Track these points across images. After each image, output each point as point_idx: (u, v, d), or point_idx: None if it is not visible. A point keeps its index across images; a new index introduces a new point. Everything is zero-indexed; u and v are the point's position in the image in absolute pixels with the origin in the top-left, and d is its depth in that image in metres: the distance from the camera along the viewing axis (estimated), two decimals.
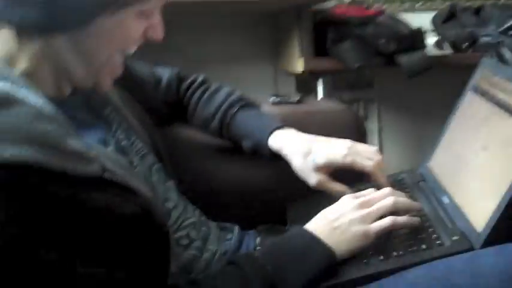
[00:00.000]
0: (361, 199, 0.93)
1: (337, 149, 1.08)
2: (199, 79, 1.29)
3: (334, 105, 1.35)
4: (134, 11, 0.81)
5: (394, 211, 0.91)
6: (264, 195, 1.27)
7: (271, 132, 1.15)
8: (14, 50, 0.79)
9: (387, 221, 0.89)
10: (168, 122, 1.28)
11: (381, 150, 2.39)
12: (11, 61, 0.79)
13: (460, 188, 0.97)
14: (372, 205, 0.92)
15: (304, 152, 1.10)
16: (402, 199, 0.94)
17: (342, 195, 1.02)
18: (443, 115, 1.15)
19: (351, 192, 1.04)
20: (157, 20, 0.87)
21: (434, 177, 1.08)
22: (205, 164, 1.26)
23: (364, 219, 0.89)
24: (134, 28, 0.83)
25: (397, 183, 1.13)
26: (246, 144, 1.19)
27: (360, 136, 1.30)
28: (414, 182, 1.12)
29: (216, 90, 1.26)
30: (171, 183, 1.05)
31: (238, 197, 1.27)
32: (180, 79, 1.28)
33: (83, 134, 0.79)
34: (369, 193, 0.97)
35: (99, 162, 0.72)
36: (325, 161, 1.08)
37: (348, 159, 1.06)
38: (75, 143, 0.70)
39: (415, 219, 0.91)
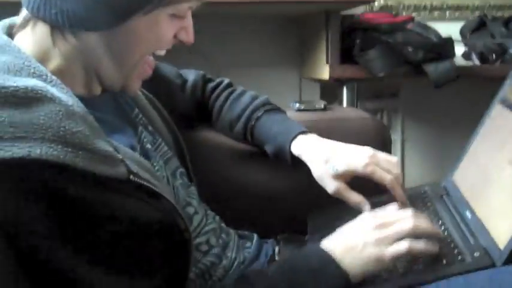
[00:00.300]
0: (380, 220, 0.89)
1: (358, 158, 1.06)
2: (225, 82, 1.28)
3: (359, 113, 1.34)
4: (167, 13, 0.81)
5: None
6: (285, 203, 1.26)
7: (293, 138, 1.14)
8: (48, 46, 0.80)
9: (403, 246, 0.83)
10: (192, 124, 1.28)
11: (403, 161, 2.38)
12: (44, 57, 0.80)
13: (483, 203, 0.95)
14: (391, 226, 0.87)
15: (325, 158, 1.08)
16: (423, 223, 0.88)
17: (359, 206, 1.02)
18: (469, 127, 1.13)
19: (368, 204, 1.03)
20: (189, 22, 0.87)
21: (457, 191, 1.06)
22: (227, 170, 1.26)
23: (380, 242, 0.84)
24: (166, 29, 0.83)
25: (419, 196, 1.11)
26: (269, 148, 1.18)
27: (385, 146, 1.29)
28: (437, 195, 1.10)
29: (241, 94, 1.25)
30: (193, 189, 1.06)
31: (258, 205, 1.26)
32: (206, 81, 1.28)
33: (112, 137, 0.79)
34: (390, 213, 0.93)
35: (125, 164, 0.74)
36: (345, 168, 1.06)
37: (368, 169, 1.04)
38: (102, 144, 0.72)
39: (434, 248, 0.86)
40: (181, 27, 0.86)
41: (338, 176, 1.07)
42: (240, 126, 1.21)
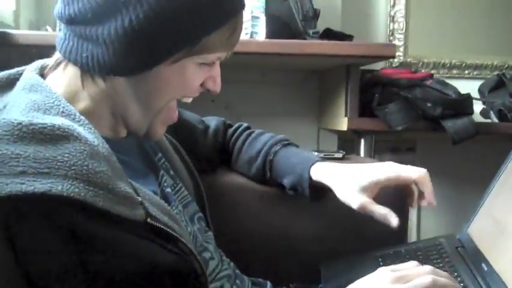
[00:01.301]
0: (398, 273, 0.85)
1: (380, 169, 1.08)
2: (244, 125, 1.31)
3: None
4: (196, 62, 0.83)
5: None
6: (300, 251, 1.26)
7: (312, 164, 1.14)
8: (77, 88, 0.82)
9: None
10: (215, 168, 1.29)
11: (419, 214, 2.37)
12: (74, 98, 0.82)
13: (500, 256, 0.95)
14: (408, 281, 0.83)
15: (347, 176, 1.08)
16: (442, 279, 0.83)
17: (386, 218, 1.02)
18: (484, 183, 1.14)
19: (395, 216, 1.02)
20: (216, 72, 0.88)
21: (473, 244, 1.06)
22: (243, 217, 1.26)
23: None
24: (194, 78, 0.85)
25: (435, 248, 1.11)
26: (288, 180, 1.18)
27: (402, 198, 1.29)
28: (452, 247, 1.10)
29: (260, 134, 1.28)
30: (210, 234, 1.06)
31: (273, 252, 1.26)
32: (227, 126, 1.31)
33: (134, 179, 0.80)
34: (407, 267, 0.88)
35: (144, 207, 0.74)
36: (369, 180, 1.06)
37: (392, 174, 1.05)
38: (123, 185, 0.73)
39: None
40: (209, 76, 0.87)
41: (362, 190, 1.06)
42: (259, 161, 1.22)
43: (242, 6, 0.84)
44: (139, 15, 0.75)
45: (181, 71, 0.82)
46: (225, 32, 0.82)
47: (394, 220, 1.03)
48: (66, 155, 0.68)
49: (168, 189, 0.95)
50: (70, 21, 0.79)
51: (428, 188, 1.05)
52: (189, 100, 0.91)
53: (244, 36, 1.67)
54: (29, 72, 0.84)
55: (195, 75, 0.84)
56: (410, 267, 0.89)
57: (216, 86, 0.89)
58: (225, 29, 0.81)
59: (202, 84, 0.87)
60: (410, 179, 1.05)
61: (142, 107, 0.84)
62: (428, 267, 0.87)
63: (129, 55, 0.77)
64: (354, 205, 1.06)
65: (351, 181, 1.07)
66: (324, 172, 1.12)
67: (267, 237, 1.26)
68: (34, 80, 0.81)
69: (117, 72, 0.79)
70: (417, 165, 2.18)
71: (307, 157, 1.18)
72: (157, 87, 0.83)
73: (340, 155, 1.35)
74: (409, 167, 1.08)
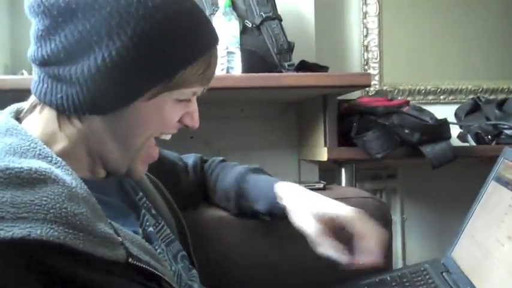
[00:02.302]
0: None
1: (344, 206, 1.04)
2: (219, 159, 1.32)
3: (359, 192, 1.36)
4: (172, 98, 0.83)
5: None
6: (286, 284, 1.26)
7: (276, 183, 1.14)
8: (54, 129, 0.82)
9: None
10: (196, 205, 1.29)
11: (403, 240, 2.37)
12: (50, 140, 0.81)
13: (484, 279, 0.95)
14: None
15: (307, 200, 1.07)
16: None
17: (336, 256, 0.97)
18: (467, 206, 1.15)
19: (346, 257, 0.98)
20: (194, 107, 0.88)
21: (457, 268, 1.07)
22: (227, 252, 1.25)
23: None
24: (171, 114, 0.85)
25: (420, 274, 1.11)
26: (261, 206, 1.17)
27: (385, 224, 1.29)
28: (438, 273, 1.10)
29: (234, 165, 1.27)
30: (194, 272, 1.05)
31: (263, 285, 1.25)
32: (203, 161, 1.31)
33: (114, 220, 0.79)
34: None
35: (124, 247, 0.74)
36: (327, 211, 1.03)
37: (354, 216, 1.01)
38: (103, 226, 0.72)
39: None
40: (186, 112, 0.87)
41: (319, 218, 1.03)
42: (233, 195, 1.21)
43: (216, 40, 0.85)
44: (112, 53, 0.75)
45: (158, 107, 0.82)
46: (200, 67, 0.82)
47: (343, 258, 0.99)
48: (44, 199, 0.67)
49: (151, 229, 0.94)
50: (43, 62, 0.79)
51: (358, 230, 0.99)
52: (168, 137, 0.90)
53: (220, 71, 1.68)
54: (4, 116, 0.84)
55: (172, 111, 0.84)
56: None
57: (194, 121, 0.89)
58: (200, 63, 0.82)
59: (180, 121, 0.87)
60: (338, 216, 1.01)
61: (121, 146, 0.84)
62: None
63: (103, 93, 0.77)
64: (308, 230, 1.02)
65: (310, 206, 1.05)
66: (283, 191, 1.12)
67: (251, 271, 1.25)
68: (10, 123, 0.80)
69: (92, 111, 0.79)
70: (400, 192, 2.21)
71: (272, 179, 1.18)
72: (135, 125, 0.82)
73: (321, 185, 1.35)
74: (348, 208, 1.03)
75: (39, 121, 0.83)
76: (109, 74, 0.76)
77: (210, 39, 0.84)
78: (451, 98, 2.46)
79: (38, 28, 0.79)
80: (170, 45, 0.78)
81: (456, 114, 2.24)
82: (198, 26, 0.82)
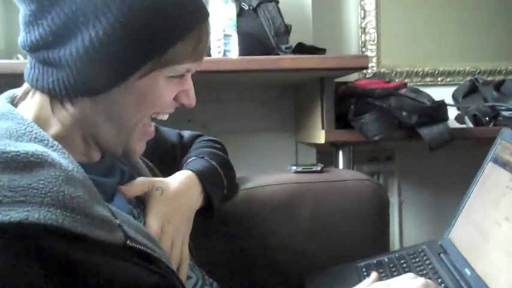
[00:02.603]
0: (393, 286, 0.86)
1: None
2: (207, 138, 1.30)
3: (357, 175, 1.36)
4: (165, 75, 0.82)
5: None
6: (282, 267, 1.26)
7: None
8: (47, 114, 0.81)
9: None
10: None
11: (400, 222, 2.38)
12: (44, 125, 0.81)
13: (482, 260, 0.96)
14: None
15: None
16: None
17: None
18: (464, 187, 1.15)
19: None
20: (189, 85, 0.88)
21: (455, 249, 1.07)
22: (221, 236, 1.25)
23: None
24: (165, 92, 0.84)
25: (418, 255, 1.12)
26: None
27: (383, 207, 1.30)
28: (435, 254, 1.11)
29: (202, 145, 1.25)
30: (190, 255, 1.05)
31: (255, 270, 1.26)
32: (197, 137, 1.30)
33: (110, 203, 0.79)
34: (400, 281, 0.89)
35: (122, 230, 0.74)
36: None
37: None
38: (101, 209, 0.72)
39: None
40: (181, 90, 0.87)
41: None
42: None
43: (206, 15, 0.84)
44: (98, 32, 0.74)
45: (150, 85, 0.81)
46: (190, 42, 0.81)
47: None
48: (42, 182, 0.67)
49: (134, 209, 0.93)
50: (33, 48, 0.79)
51: None
52: (165, 117, 0.90)
53: (217, 54, 1.68)
54: (0, 101, 0.83)
55: (166, 89, 0.84)
56: (404, 281, 0.89)
57: (190, 99, 0.88)
58: (190, 38, 0.81)
59: (176, 99, 0.87)
60: None
61: (115, 127, 0.84)
62: (420, 279, 0.88)
63: (93, 74, 0.76)
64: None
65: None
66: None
67: (248, 255, 1.26)
68: (5, 108, 0.80)
69: (84, 93, 0.79)
70: (397, 174, 2.21)
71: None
72: (128, 105, 0.82)
73: (319, 168, 1.35)
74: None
75: (32, 107, 0.82)
76: (97, 54, 0.75)
77: (199, 13, 0.82)
78: (448, 79, 2.46)
79: (26, 13, 0.78)
80: (158, 22, 0.77)
81: (454, 96, 2.24)
82: (186, 1, 0.80)
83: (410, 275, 0.91)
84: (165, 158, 1.16)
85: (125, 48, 0.76)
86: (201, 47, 0.84)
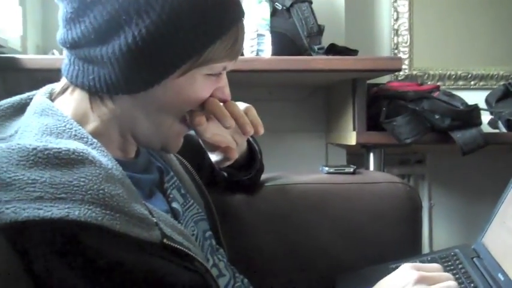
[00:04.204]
0: (423, 273, 0.86)
1: None
2: None
3: (389, 177, 1.35)
4: (202, 73, 0.82)
5: None
6: (313, 267, 1.26)
7: None
8: (86, 110, 0.82)
9: None
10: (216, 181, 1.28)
11: (430, 226, 2.36)
12: (83, 121, 0.82)
13: None
14: (433, 283, 0.85)
15: None
16: None
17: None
18: (495, 193, 1.13)
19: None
20: (224, 83, 0.88)
21: (488, 254, 1.06)
22: (253, 234, 1.26)
23: None
24: (202, 89, 0.84)
25: (451, 259, 1.11)
26: None
27: (415, 210, 1.29)
28: (468, 258, 1.09)
29: None
30: (221, 251, 1.06)
31: (286, 268, 1.26)
32: None
33: (147, 200, 0.80)
34: (432, 269, 0.91)
35: (159, 228, 0.74)
36: None
37: None
38: (138, 207, 0.73)
39: None
40: (217, 88, 0.87)
41: None
42: None
43: (242, 14, 0.85)
44: (141, 31, 0.75)
45: (189, 83, 0.82)
46: (228, 41, 0.82)
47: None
48: (82, 180, 0.68)
49: (174, 205, 0.94)
50: (73, 45, 0.79)
51: None
52: None
53: (250, 54, 1.68)
54: (40, 96, 0.85)
55: (203, 87, 0.84)
56: (434, 269, 0.90)
57: (225, 95, 0.89)
58: (228, 37, 0.81)
59: (211, 96, 0.87)
60: None
61: (153, 123, 0.84)
62: (449, 274, 0.89)
63: (135, 71, 0.77)
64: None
65: None
66: None
67: (277, 252, 1.26)
68: (45, 104, 0.81)
69: (125, 90, 0.79)
70: (427, 177, 2.19)
71: None
72: (167, 101, 0.82)
73: (351, 169, 1.34)
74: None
75: (71, 102, 0.83)
76: (140, 53, 0.76)
77: (237, 12, 0.83)
78: (481, 83, 2.43)
79: (67, 11, 0.79)
80: (199, 21, 0.78)
81: (487, 101, 2.21)
82: (225, 0, 0.81)
83: (437, 265, 0.93)
84: (195, 151, 1.17)
85: (167, 47, 0.77)
86: (238, 46, 0.85)
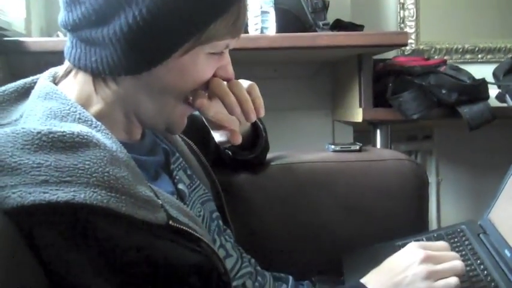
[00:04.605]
0: (429, 252, 0.87)
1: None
2: None
3: (395, 154, 1.34)
4: (205, 51, 0.82)
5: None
6: (319, 244, 1.26)
7: None
8: (89, 93, 0.82)
9: (454, 281, 0.83)
10: (222, 160, 1.28)
11: (438, 202, 2.36)
12: (87, 103, 0.82)
13: None
14: (439, 262, 0.86)
15: None
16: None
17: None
18: (503, 167, 1.12)
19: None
20: (227, 61, 0.88)
21: (495, 230, 1.06)
22: (259, 213, 1.26)
23: (430, 276, 0.84)
24: (205, 68, 0.84)
25: (457, 235, 1.11)
26: None
27: (422, 186, 1.29)
28: (474, 234, 1.09)
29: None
30: (228, 232, 1.06)
31: (292, 246, 1.26)
32: None
33: (152, 182, 0.81)
34: (439, 247, 0.91)
35: (165, 210, 0.75)
36: None
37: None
38: (144, 189, 0.73)
39: None
40: (220, 66, 0.87)
41: None
42: None
43: None
44: (142, 10, 0.74)
45: (191, 62, 0.81)
46: (230, 18, 0.81)
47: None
48: (87, 163, 0.68)
49: (181, 186, 0.94)
50: (75, 27, 0.79)
51: None
52: None
53: (254, 32, 1.67)
54: (43, 80, 0.85)
55: (206, 65, 0.84)
56: (440, 247, 0.91)
57: (228, 74, 0.88)
58: (230, 14, 0.81)
59: (214, 75, 0.87)
60: None
61: (157, 103, 0.84)
62: (456, 254, 0.89)
63: (137, 51, 0.77)
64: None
65: None
66: None
67: (284, 231, 1.26)
68: (49, 87, 0.81)
69: (127, 71, 0.79)
70: (435, 153, 2.18)
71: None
72: (170, 81, 0.82)
73: (357, 147, 1.34)
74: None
75: (74, 85, 0.83)
76: (141, 32, 0.75)
77: None
78: (489, 57, 2.41)
79: None
80: None
81: (494, 74, 2.19)
82: None
83: (444, 243, 0.92)
84: (200, 130, 1.17)
85: (169, 26, 0.76)
86: (240, 23, 0.84)
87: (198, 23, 0.78)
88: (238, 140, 0.99)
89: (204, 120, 1.16)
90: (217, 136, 1.04)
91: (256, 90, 0.96)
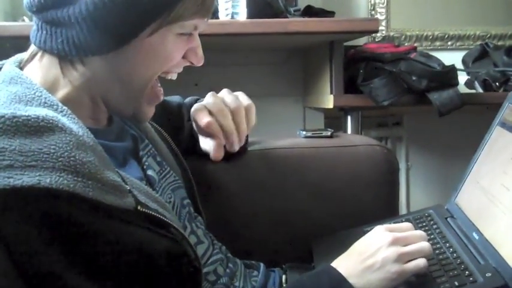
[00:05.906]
0: (396, 234, 0.88)
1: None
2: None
3: (366, 140, 1.35)
4: (173, 32, 0.82)
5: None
6: (289, 230, 1.26)
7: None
8: (56, 76, 0.81)
9: (423, 263, 0.85)
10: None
11: (408, 187, 2.38)
12: (53, 87, 0.81)
13: (489, 224, 0.96)
14: (407, 244, 0.87)
15: None
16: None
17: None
18: (473, 154, 1.14)
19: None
20: (196, 43, 0.87)
21: (462, 213, 1.07)
22: (227, 200, 1.26)
23: (400, 258, 0.85)
24: (174, 49, 0.84)
25: (425, 220, 1.12)
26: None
27: (392, 172, 1.30)
28: (442, 218, 1.11)
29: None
30: (200, 219, 1.06)
31: (262, 232, 1.26)
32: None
33: (120, 168, 0.80)
34: (405, 228, 0.92)
35: (133, 195, 0.74)
36: None
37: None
38: (111, 174, 0.72)
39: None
40: (190, 48, 0.86)
41: None
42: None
43: None
44: None
45: (159, 42, 0.81)
46: None
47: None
48: (53, 147, 0.67)
49: (150, 172, 0.94)
50: (40, 8, 0.78)
51: None
52: (174, 77, 0.90)
53: (225, 17, 1.66)
54: (8, 65, 0.83)
55: (174, 46, 0.83)
56: (406, 228, 0.92)
57: (198, 57, 0.88)
58: None
59: (184, 58, 0.87)
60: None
61: (125, 86, 0.84)
62: (422, 232, 0.92)
63: (104, 31, 0.76)
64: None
65: None
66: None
67: (256, 218, 1.26)
68: (13, 72, 0.80)
69: (95, 51, 0.78)
70: (405, 139, 2.20)
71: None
72: (138, 63, 0.82)
73: (329, 133, 1.34)
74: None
75: (40, 69, 0.82)
76: (107, 11, 0.75)
77: None
78: (458, 44, 2.43)
79: None
80: None
81: (464, 61, 2.21)
82: None
83: (409, 224, 0.94)
84: (173, 117, 1.16)
85: (135, 4, 0.76)
86: (208, 2, 0.84)
87: (165, 2, 0.78)
88: (218, 158, 1.08)
89: (176, 104, 1.16)
90: (203, 142, 1.05)
91: (252, 112, 1.14)
